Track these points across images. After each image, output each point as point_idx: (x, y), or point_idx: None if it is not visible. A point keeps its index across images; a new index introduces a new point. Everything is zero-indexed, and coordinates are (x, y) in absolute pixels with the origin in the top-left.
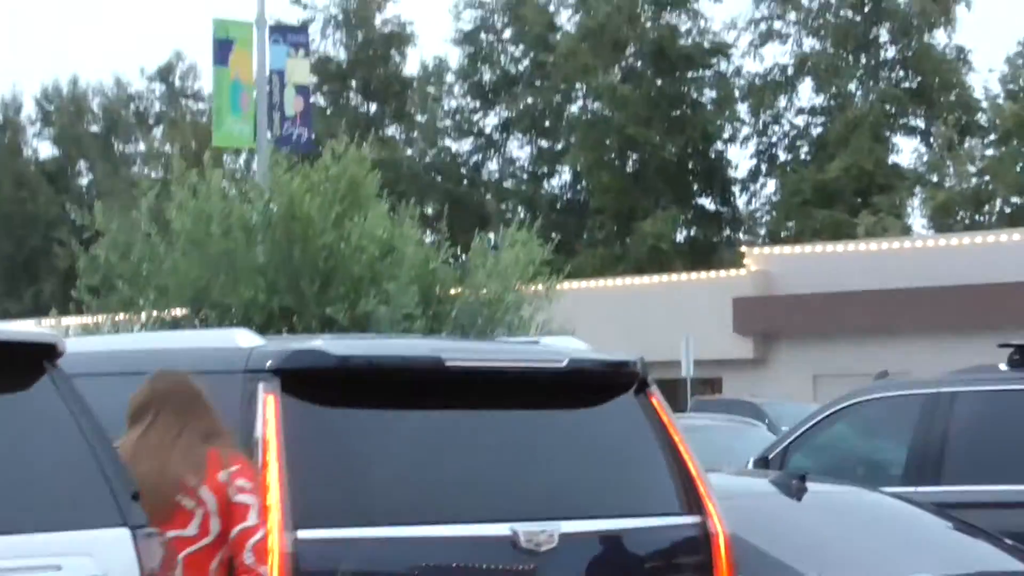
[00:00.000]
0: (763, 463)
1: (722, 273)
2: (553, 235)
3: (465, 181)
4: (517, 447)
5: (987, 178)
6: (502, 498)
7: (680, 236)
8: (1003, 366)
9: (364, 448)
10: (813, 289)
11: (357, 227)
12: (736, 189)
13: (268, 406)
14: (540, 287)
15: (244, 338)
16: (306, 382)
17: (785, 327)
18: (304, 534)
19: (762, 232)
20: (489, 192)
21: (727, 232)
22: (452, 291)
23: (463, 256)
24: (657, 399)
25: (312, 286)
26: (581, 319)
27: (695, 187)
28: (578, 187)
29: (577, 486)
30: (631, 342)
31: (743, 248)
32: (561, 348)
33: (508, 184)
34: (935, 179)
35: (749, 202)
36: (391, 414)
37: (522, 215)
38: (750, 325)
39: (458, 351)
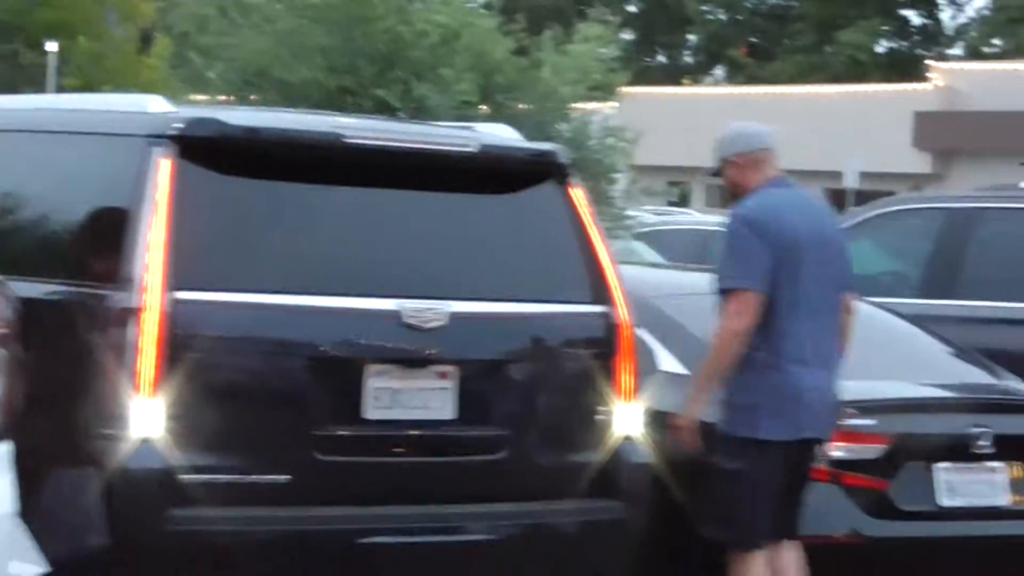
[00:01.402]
0: None
1: (907, 86)
2: (624, 35)
3: None
4: (416, 228)
5: None
6: (393, 276)
7: (881, 48)
8: None
9: (254, 219)
10: (999, 107)
11: (421, 13)
12: (943, 2)
13: (162, 170)
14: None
15: (155, 105)
16: (204, 151)
17: (966, 144)
18: (182, 295)
19: (963, 48)
20: None
21: (930, 47)
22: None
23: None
24: (576, 190)
25: (371, 68)
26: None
27: None
28: None
29: (475, 269)
30: (802, 151)
31: (930, 62)
32: (479, 134)
33: None
34: None
35: (954, 16)
36: (286, 188)
37: (721, 18)
38: (931, 140)
39: (359, 129)
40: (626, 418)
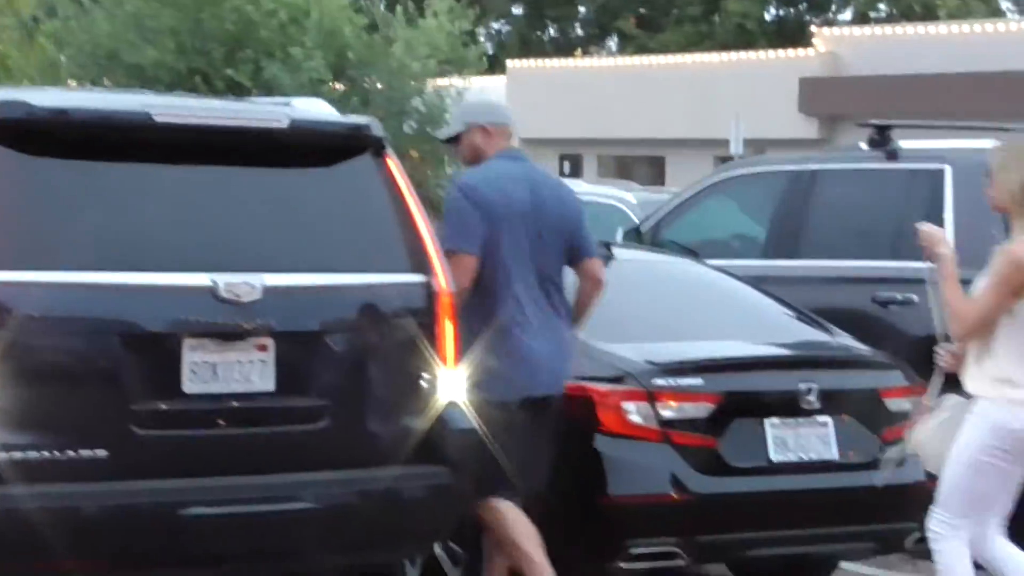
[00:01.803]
0: (635, 234)
1: (791, 53)
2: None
3: None
4: (230, 204)
5: None
6: (207, 251)
7: (769, 16)
8: (863, 145)
9: (66, 199)
10: (882, 71)
11: None
12: None
13: None
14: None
15: None
16: (12, 133)
17: (851, 109)
18: None
19: (850, 14)
20: None
21: (818, 14)
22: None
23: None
24: (392, 161)
25: (221, 49)
26: (645, 95)
27: None
28: None
29: (290, 242)
30: (691, 120)
31: (814, 28)
32: (291, 110)
33: None
34: None
35: None
36: (97, 167)
37: None
38: (816, 106)
39: (169, 107)
40: (449, 384)
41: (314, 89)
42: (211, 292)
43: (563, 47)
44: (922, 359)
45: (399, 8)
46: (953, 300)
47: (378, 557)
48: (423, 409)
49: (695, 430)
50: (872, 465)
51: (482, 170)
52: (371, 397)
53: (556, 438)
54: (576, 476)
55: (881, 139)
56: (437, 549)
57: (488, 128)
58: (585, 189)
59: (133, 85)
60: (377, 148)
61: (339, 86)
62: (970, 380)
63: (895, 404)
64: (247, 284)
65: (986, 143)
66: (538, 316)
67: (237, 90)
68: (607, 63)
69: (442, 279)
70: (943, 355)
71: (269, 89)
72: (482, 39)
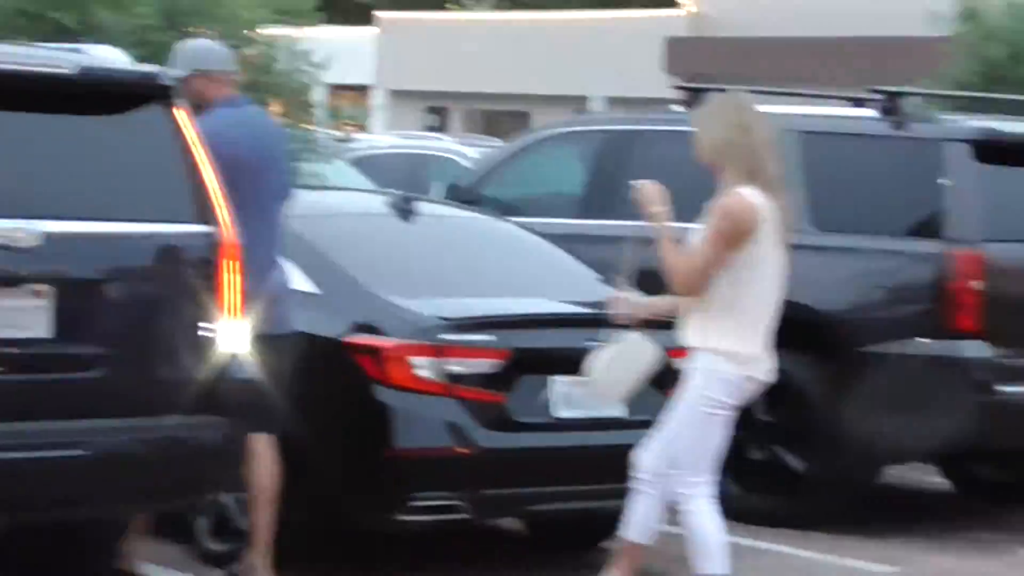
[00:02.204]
0: (455, 191)
1: (659, 12)
2: None
3: None
4: (11, 150)
5: None
6: None
7: None
8: (678, 108)
9: None
10: (748, 33)
11: None
12: None
13: None
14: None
15: None
16: None
17: (716, 69)
18: None
19: None
20: None
21: None
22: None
23: None
24: (180, 111)
25: None
26: (512, 51)
27: None
28: None
29: (72, 190)
30: (555, 77)
31: None
32: (80, 57)
33: None
34: None
35: None
36: None
37: None
38: (681, 65)
39: None
40: (231, 336)
41: (144, 36)
42: None
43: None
44: None
45: None
46: (671, 258)
47: (158, 506)
48: (204, 359)
49: (482, 385)
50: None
51: (210, 117)
52: (152, 346)
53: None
54: (361, 428)
55: (695, 101)
56: (226, 498)
57: (210, 76)
58: (421, 144)
59: None
60: (166, 98)
61: (173, 33)
62: (691, 334)
63: (681, 364)
64: (24, 230)
65: (797, 109)
66: (272, 254)
67: (64, 33)
68: (476, 16)
69: (226, 230)
70: (618, 302)
71: (97, 34)
72: None
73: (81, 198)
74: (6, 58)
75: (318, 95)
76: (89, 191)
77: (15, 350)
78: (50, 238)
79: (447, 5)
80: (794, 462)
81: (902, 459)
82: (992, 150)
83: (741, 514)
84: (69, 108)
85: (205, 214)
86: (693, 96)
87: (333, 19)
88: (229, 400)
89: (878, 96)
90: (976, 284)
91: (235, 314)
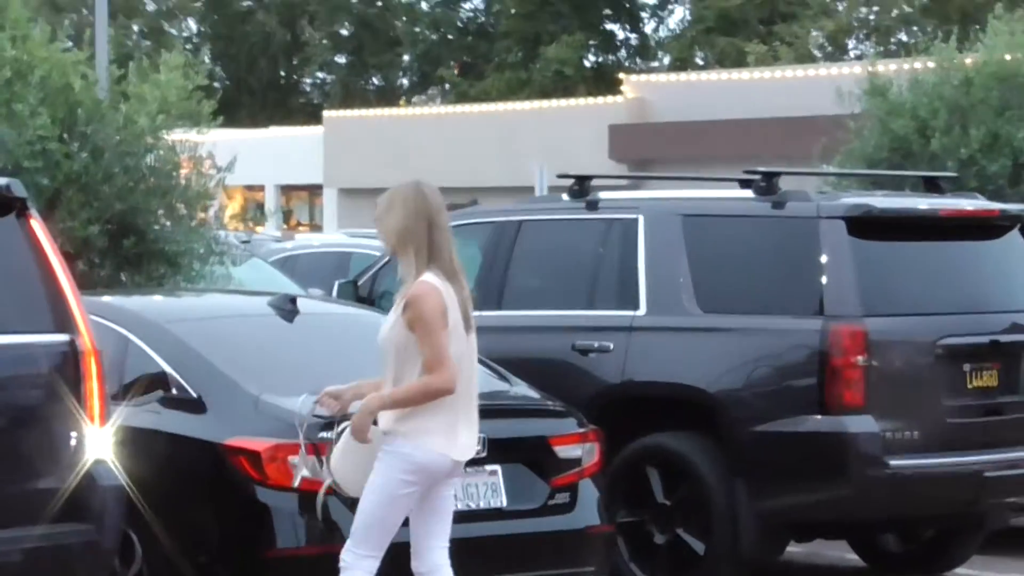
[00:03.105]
0: (351, 286)
1: (601, 100)
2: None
3: (379, 2)
4: None
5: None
6: None
7: (589, 63)
8: (565, 196)
9: None
10: (683, 117)
11: None
12: (646, 16)
13: None
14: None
15: None
16: None
17: (657, 154)
18: None
19: (666, 60)
20: (401, 16)
21: (638, 60)
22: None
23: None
24: (36, 222)
25: None
26: (460, 143)
27: (604, 13)
28: (491, 11)
29: None
30: (502, 167)
31: (622, 75)
32: None
33: (424, 6)
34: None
35: (657, 29)
36: None
37: (432, 37)
38: (625, 151)
39: None
40: (96, 442)
41: (43, 145)
42: None
43: (388, 95)
44: (621, 403)
45: (131, 64)
46: (410, 388)
47: None
48: (68, 467)
49: None
50: (542, 512)
51: None
52: (13, 457)
53: None
54: (245, 530)
55: (581, 190)
56: None
57: None
58: (351, 241)
59: None
60: (19, 208)
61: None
62: (381, 417)
63: (565, 451)
64: None
65: (685, 192)
66: None
67: None
68: (423, 111)
69: (87, 339)
70: (326, 402)
71: None
72: (214, 95)
73: None
74: None
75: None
76: None
77: None
78: None
79: (400, 102)
80: (695, 543)
81: (803, 536)
82: (868, 225)
83: None
84: None
85: (64, 322)
86: (579, 184)
87: (279, 120)
88: (96, 506)
89: (756, 177)
90: (859, 359)
91: (98, 420)
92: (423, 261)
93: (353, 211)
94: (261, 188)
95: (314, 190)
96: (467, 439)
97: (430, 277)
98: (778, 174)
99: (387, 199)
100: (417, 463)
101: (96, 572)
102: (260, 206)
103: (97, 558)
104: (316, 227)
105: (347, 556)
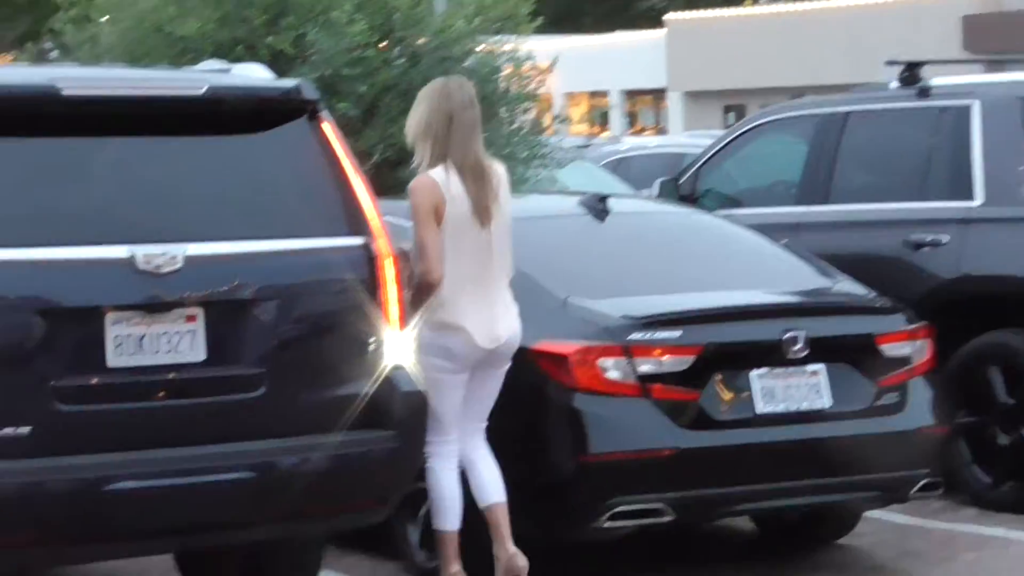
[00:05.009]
0: (672, 184)
1: None
2: None
3: None
4: (148, 175)
5: None
6: (125, 223)
7: None
8: (894, 84)
9: None
10: None
11: None
12: None
13: None
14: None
15: None
16: None
17: (1018, 44)
18: None
19: None
20: None
21: None
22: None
23: None
24: (327, 125)
25: (262, 16)
26: (806, 43)
27: None
28: None
29: (215, 211)
30: (848, 65)
31: None
32: (210, 76)
33: None
34: None
35: None
36: (8, 143)
37: None
38: (980, 43)
39: (79, 80)
40: (394, 347)
41: (360, 53)
42: (130, 264)
43: None
44: (956, 299)
45: None
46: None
47: (324, 526)
48: (367, 373)
49: (676, 384)
50: (869, 412)
51: None
52: (311, 363)
53: None
54: (555, 436)
55: (912, 77)
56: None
57: None
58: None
59: (178, 58)
60: (310, 111)
61: (384, 47)
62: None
63: (894, 349)
64: (166, 255)
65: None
66: None
67: (280, 58)
68: (766, 11)
69: (381, 241)
70: None
71: (312, 56)
72: None
73: (226, 218)
74: (134, 83)
75: (613, 99)
76: (233, 211)
77: (167, 376)
78: (193, 261)
79: (743, 2)
80: None
81: None
82: None
83: (991, 504)
84: (205, 129)
85: (357, 226)
86: (910, 72)
87: (622, 25)
88: (396, 413)
89: None
90: None
91: (396, 324)
92: (434, 157)
93: (698, 114)
94: (605, 94)
95: (658, 94)
96: (487, 327)
97: (434, 172)
98: None
99: (421, 93)
100: (441, 347)
101: (399, 480)
102: (604, 112)
103: (400, 465)
104: (661, 131)
105: (427, 447)
